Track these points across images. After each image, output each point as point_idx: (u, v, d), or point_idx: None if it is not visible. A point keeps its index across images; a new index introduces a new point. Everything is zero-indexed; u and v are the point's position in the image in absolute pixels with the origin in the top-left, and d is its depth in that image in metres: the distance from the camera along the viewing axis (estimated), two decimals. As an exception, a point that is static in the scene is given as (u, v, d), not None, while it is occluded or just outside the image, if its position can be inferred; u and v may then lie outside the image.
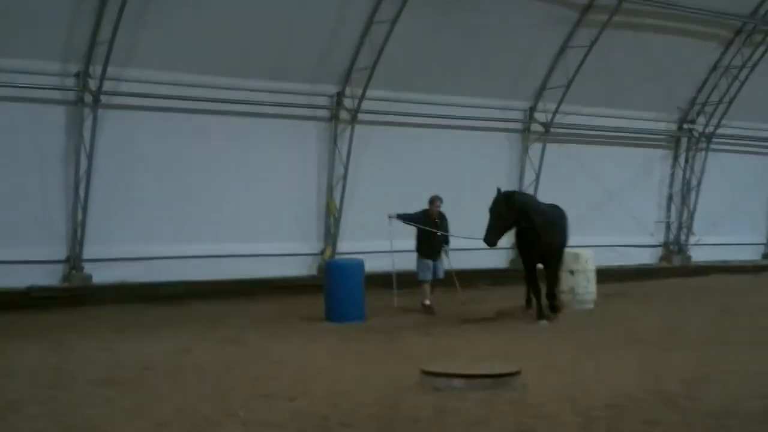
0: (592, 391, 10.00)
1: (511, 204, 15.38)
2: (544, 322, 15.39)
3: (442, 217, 17.19)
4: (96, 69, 17.55)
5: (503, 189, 15.89)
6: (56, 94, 17.69)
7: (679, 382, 10.50)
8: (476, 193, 19.07)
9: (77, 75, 17.66)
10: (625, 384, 10.36)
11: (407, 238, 17.23)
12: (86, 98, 17.71)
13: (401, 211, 17.01)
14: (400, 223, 17.02)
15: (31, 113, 17.37)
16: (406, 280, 17.58)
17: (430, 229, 16.86)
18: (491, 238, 15.24)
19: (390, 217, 16.84)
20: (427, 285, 17.07)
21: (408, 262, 17.46)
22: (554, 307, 16.06)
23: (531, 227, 15.57)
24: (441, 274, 17.23)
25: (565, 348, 13.06)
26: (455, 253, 17.48)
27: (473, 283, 19.91)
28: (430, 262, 17.03)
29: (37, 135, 17.48)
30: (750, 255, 27.30)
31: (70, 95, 17.78)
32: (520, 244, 16.20)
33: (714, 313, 17.17)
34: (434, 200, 17.12)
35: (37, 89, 17.28)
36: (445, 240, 17.18)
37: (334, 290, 16.06)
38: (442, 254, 17.21)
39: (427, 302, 17.01)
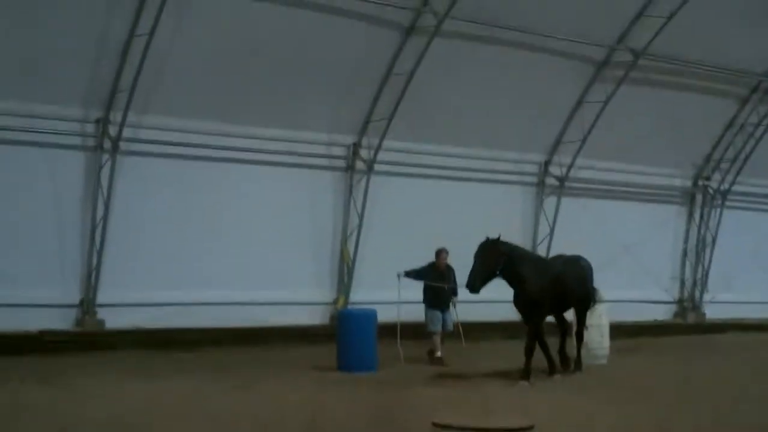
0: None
1: (496, 250, 14.97)
2: (557, 376, 15.25)
3: (450, 269, 17.22)
4: (116, 115, 17.71)
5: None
6: (76, 140, 17.84)
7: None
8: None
9: (97, 121, 17.83)
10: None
11: (419, 289, 17.23)
12: (105, 144, 17.85)
13: (411, 266, 17.07)
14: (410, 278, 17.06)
15: (51, 158, 17.50)
16: (417, 331, 17.52)
17: (438, 284, 16.90)
18: (475, 283, 14.71)
19: (399, 275, 16.88)
20: (437, 336, 17.09)
21: (418, 313, 17.41)
22: (551, 366, 15.46)
23: (518, 278, 15.16)
24: (450, 326, 17.27)
25: (579, 403, 12.96)
26: (468, 305, 17.42)
27: (487, 335, 19.83)
28: (438, 314, 17.07)
29: (56, 179, 17.62)
30: (766, 313, 27.08)
31: (90, 141, 17.93)
32: (514, 298, 15.55)
33: (728, 370, 17.04)
34: (441, 252, 17.23)
35: (57, 135, 17.45)
36: (454, 292, 17.20)
37: (346, 340, 16.05)
38: (451, 306, 17.23)
39: (438, 354, 16.99)
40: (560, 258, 16.57)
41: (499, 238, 15.12)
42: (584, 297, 16.37)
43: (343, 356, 15.98)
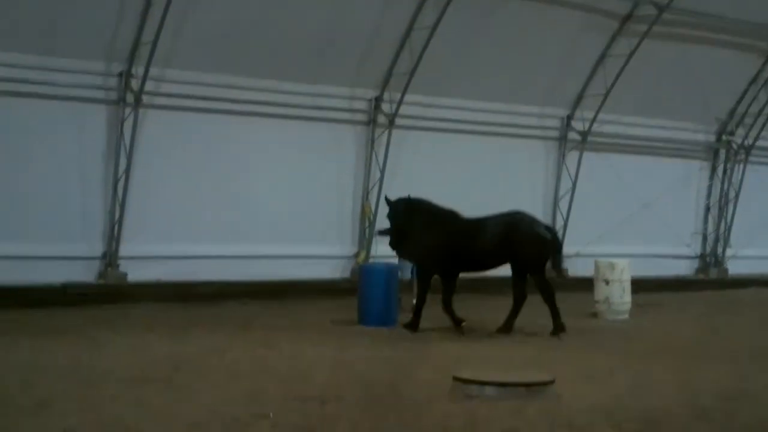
0: (627, 404, 9.92)
1: (397, 209, 15.63)
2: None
3: None
4: (138, 69, 17.71)
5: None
6: (99, 94, 17.90)
7: (715, 396, 10.38)
8: (512, 199, 19.08)
9: (120, 75, 17.85)
10: (661, 397, 10.28)
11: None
12: (128, 98, 17.87)
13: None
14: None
15: (74, 112, 17.61)
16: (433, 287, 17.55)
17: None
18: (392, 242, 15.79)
19: (376, 234, 16.94)
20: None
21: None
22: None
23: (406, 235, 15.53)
24: None
25: (600, 358, 12.96)
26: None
27: (505, 291, 19.77)
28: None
29: (79, 133, 17.75)
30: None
31: (113, 95, 17.97)
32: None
33: (751, 325, 17.01)
34: None
35: (80, 88, 17.47)
36: None
37: (368, 294, 16.07)
38: None
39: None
40: (492, 216, 15.45)
41: (400, 199, 15.66)
42: (510, 256, 15.15)
43: (364, 310, 16.02)
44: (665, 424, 9.14)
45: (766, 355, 13.38)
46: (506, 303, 15.51)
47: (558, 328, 14.95)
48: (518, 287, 15.22)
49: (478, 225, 15.29)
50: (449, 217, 15.48)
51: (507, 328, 15.10)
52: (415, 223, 15.43)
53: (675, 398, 10.23)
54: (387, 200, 16.10)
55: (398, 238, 15.70)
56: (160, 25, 17.13)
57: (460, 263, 15.39)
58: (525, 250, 15.05)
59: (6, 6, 16.46)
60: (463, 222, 15.43)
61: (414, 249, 15.56)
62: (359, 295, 16.26)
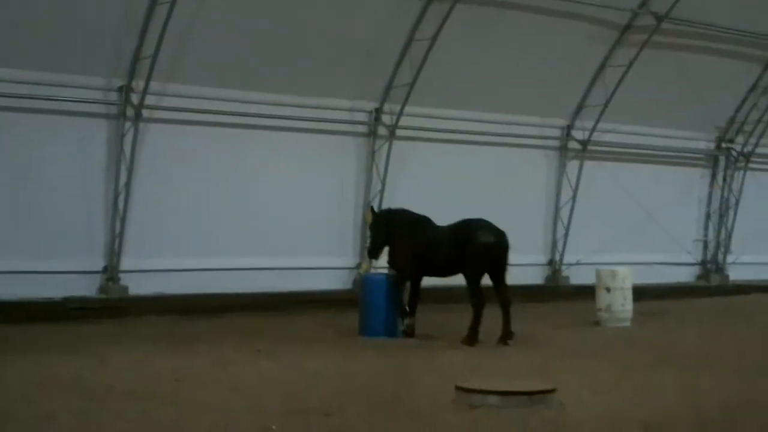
0: (630, 413, 9.93)
1: (380, 221, 16.26)
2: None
3: None
4: (139, 83, 17.76)
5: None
6: (99, 108, 17.92)
7: (718, 405, 10.39)
8: (513, 209, 19.15)
9: (120, 89, 17.86)
10: (664, 405, 10.28)
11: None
12: (128, 112, 17.90)
13: None
14: None
15: (75, 126, 17.63)
16: (437, 297, 17.54)
17: None
18: (371, 252, 16.53)
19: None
20: None
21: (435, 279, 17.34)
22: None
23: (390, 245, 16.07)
24: None
25: (603, 367, 12.97)
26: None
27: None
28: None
29: (80, 147, 17.75)
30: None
31: (113, 109, 17.99)
32: None
33: (754, 332, 17.00)
34: None
35: (81, 103, 17.52)
36: None
37: (370, 305, 16.06)
38: None
39: None
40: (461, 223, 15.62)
41: (380, 210, 16.50)
42: (465, 262, 15.20)
43: (366, 321, 16.00)
44: (668, 432, 9.14)
45: (766, 363, 13.36)
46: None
47: (506, 336, 15.04)
48: (500, 294, 15.24)
49: (438, 232, 15.68)
50: (419, 223, 15.96)
51: (506, 336, 15.08)
52: (394, 232, 15.92)
53: (678, 407, 10.23)
54: (372, 210, 16.98)
55: (377, 247, 16.29)
56: (160, 40, 17.17)
57: (425, 269, 15.74)
58: (466, 259, 15.12)
59: (6, 22, 16.50)
60: (429, 228, 15.84)
61: (391, 256, 16.11)
62: (361, 306, 16.25)
